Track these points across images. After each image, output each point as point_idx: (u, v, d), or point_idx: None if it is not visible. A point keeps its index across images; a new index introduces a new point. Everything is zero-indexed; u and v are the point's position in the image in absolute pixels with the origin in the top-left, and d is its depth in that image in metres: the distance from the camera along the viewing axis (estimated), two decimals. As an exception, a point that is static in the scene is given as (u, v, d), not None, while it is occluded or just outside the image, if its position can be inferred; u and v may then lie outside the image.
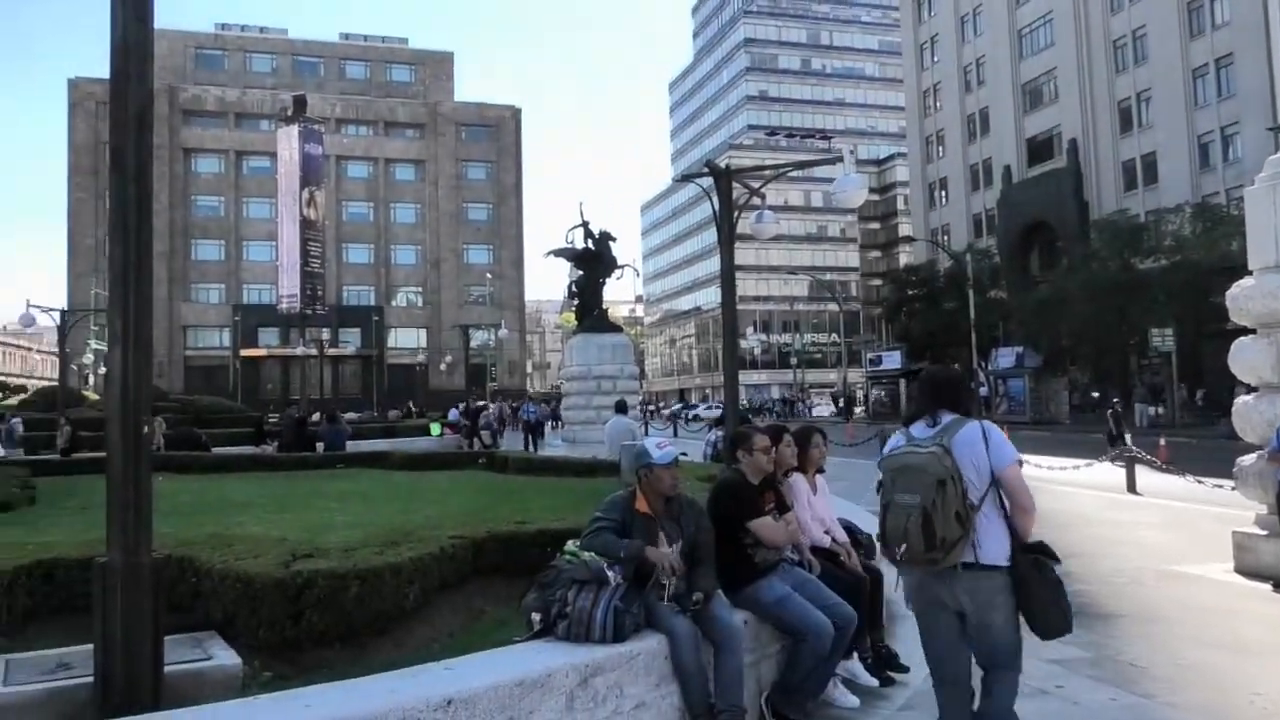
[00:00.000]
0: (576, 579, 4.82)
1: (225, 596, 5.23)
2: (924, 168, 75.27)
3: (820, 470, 6.60)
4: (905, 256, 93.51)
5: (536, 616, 4.92)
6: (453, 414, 37.45)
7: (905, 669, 5.99)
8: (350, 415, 36.18)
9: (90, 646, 4.26)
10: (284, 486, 13.23)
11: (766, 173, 12.41)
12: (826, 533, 6.27)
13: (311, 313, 75.72)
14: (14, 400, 50.39)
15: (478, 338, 75.19)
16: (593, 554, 4.90)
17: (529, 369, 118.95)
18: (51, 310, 33.60)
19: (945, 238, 69.57)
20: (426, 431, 35.36)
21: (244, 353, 79.68)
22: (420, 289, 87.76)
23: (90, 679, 4.16)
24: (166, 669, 4.22)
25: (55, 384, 42.29)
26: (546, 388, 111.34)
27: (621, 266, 33.55)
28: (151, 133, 4.12)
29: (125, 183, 4.01)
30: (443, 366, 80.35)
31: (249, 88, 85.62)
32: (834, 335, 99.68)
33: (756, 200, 12.28)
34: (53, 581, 5.51)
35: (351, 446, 22.22)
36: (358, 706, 3.99)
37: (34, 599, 5.42)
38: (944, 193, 72.93)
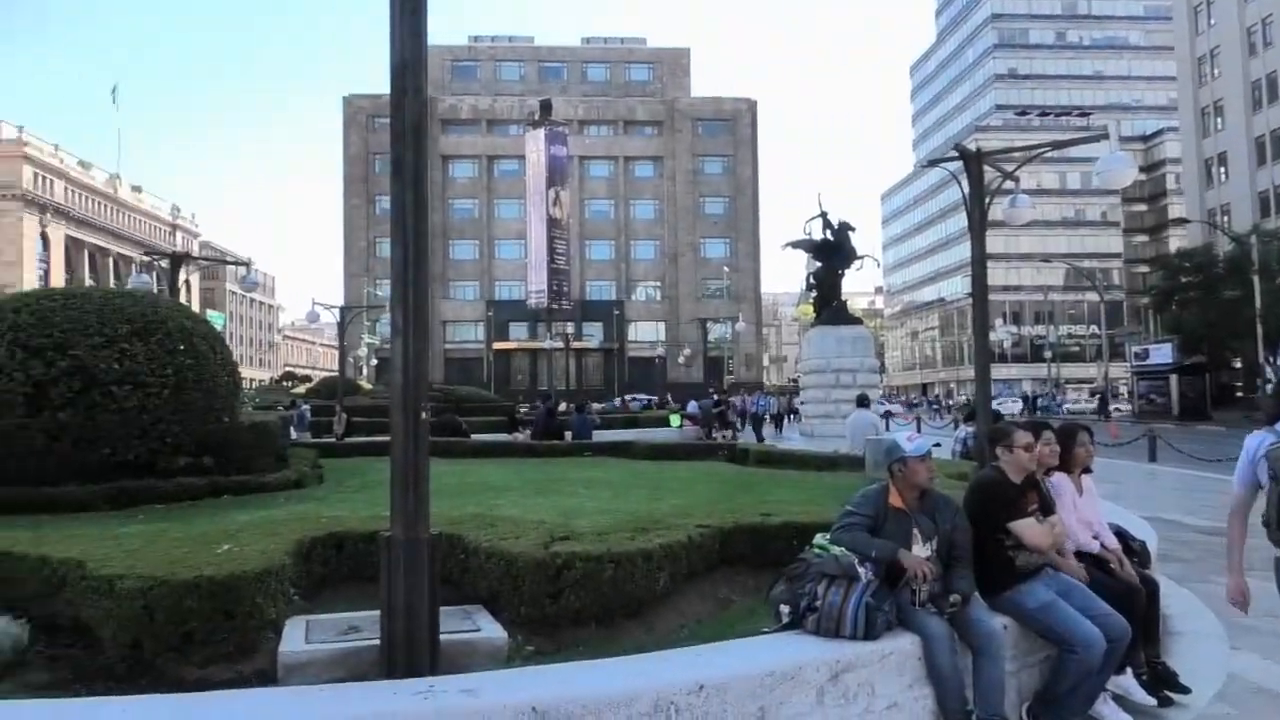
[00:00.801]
0: (826, 573, 4.77)
1: (490, 573, 5.56)
2: (1199, 142, 68.58)
3: (1086, 470, 6.16)
4: (1177, 240, 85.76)
5: (785, 609, 4.91)
6: (691, 406, 37.98)
7: (1186, 690, 5.48)
8: (597, 405, 37.51)
9: (376, 612, 4.65)
10: (537, 472, 13.87)
11: (1020, 154, 11.73)
12: (1095, 537, 5.85)
13: (557, 307, 79.31)
14: (302, 389, 55.95)
15: (715, 331, 75.85)
16: (843, 549, 4.82)
17: (765, 362, 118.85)
18: (332, 307, 36.97)
19: (1225, 218, 63.13)
20: (666, 423, 36.08)
21: (496, 346, 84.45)
22: (659, 283, 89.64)
23: (376, 642, 4.54)
24: (441, 637, 4.54)
25: (335, 374, 46.57)
26: (783, 381, 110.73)
27: (861, 257, 32.80)
28: (426, 142, 4.44)
29: (404, 188, 4.34)
30: (681, 359, 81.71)
31: (499, 95, 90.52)
32: (1093, 327, 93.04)
33: (1009, 184, 11.64)
34: (342, 551, 6.06)
35: (597, 436, 23.01)
36: (615, 685, 4.14)
37: (327, 567, 5.98)
38: (1223, 169, 66.17)
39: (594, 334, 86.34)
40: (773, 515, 7.00)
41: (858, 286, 64.42)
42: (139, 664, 4.72)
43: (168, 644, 4.65)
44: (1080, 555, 5.62)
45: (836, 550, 4.85)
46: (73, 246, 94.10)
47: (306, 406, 32.36)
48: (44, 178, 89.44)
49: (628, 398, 62.06)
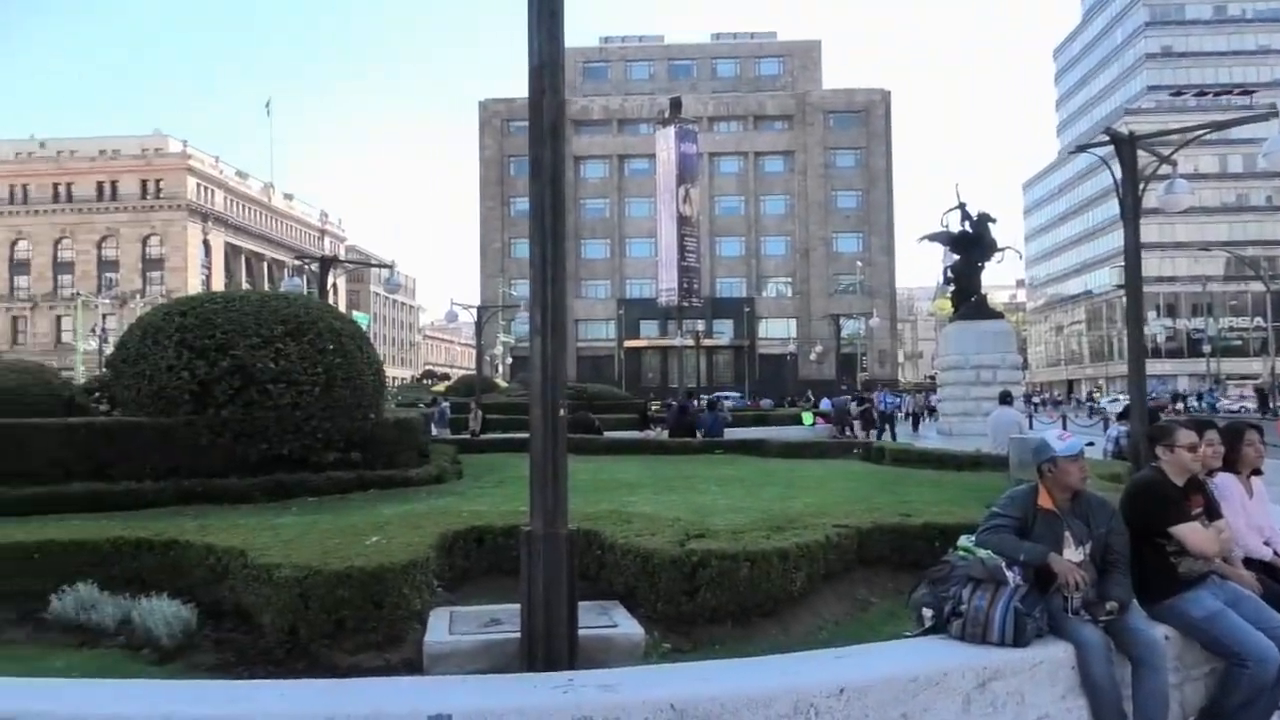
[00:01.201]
0: (972, 576, 4.59)
1: (627, 569, 5.60)
2: (1379, 118, 63.28)
3: (1257, 472, 5.75)
4: (1353, 225, 79.35)
5: (928, 612, 4.76)
6: (824, 403, 37.44)
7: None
8: (729, 403, 37.42)
9: (516, 606, 4.74)
10: (669, 469, 13.94)
11: (1177, 137, 11.09)
12: (1266, 543, 5.46)
13: (688, 305, 79.42)
14: (441, 387, 57.80)
15: (848, 327, 74.51)
16: (989, 552, 4.64)
17: (900, 358, 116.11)
18: (469, 307, 38.04)
19: None
20: (798, 421, 35.68)
21: (627, 344, 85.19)
22: (790, 279, 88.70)
23: (517, 635, 4.63)
24: (579, 632, 4.59)
25: (473, 372, 47.92)
26: (919, 378, 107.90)
27: (1002, 249, 31.66)
28: (564, 142, 4.49)
29: (542, 188, 4.40)
30: (812, 356, 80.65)
31: (630, 95, 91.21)
32: (1257, 319, 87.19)
33: (1165, 169, 11.02)
34: (482, 545, 6.21)
35: (728, 434, 22.96)
36: (753, 684, 4.09)
37: (468, 560, 6.15)
38: None
39: (724, 331, 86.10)
40: (913, 515, 6.82)
41: (998, 280, 62.25)
42: (296, 649, 4.96)
43: (321, 631, 4.87)
44: (1250, 563, 5.25)
45: (982, 553, 4.67)
46: (231, 252, 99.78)
47: (446, 404, 33.40)
48: (206, 188, 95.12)
49: (719, 396, 61.64)
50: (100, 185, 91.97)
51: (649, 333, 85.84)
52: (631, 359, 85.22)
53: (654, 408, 36.59)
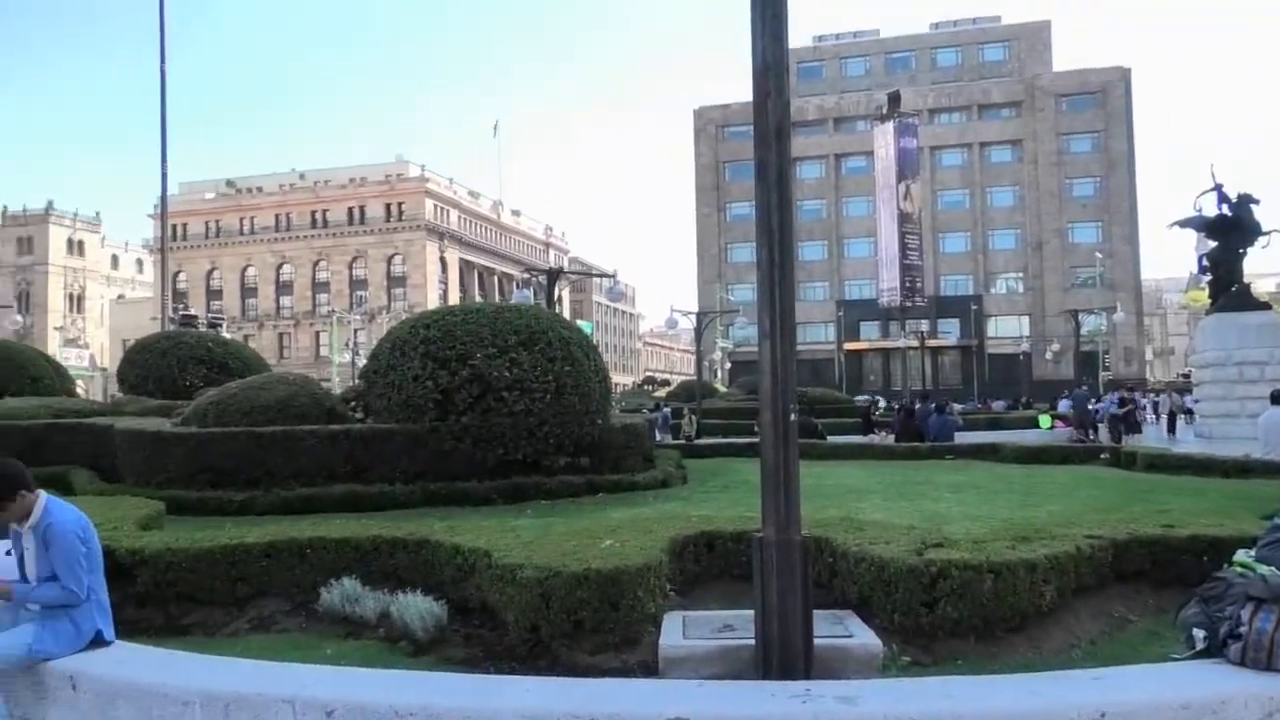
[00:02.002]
0: (1252, 595, 4.16)
1: (860, 578, 5.45)
2: None
3: None
4: None
5: (1200, 634, 4.36)
6: (1063, 405, 35.19)
7: None
8: (957, 406, 35.86)
9: (749, 612, 4.72)
10: (897, 475, 13.51)
11: None
12: None
13: (910, 304, 76.94)
14: (662, 392, 58.84)
15: (1088, 323, 69.69)
16: (1273, 569, 4.19)
17: (1148, 355, 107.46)
18: (689, 314, 38.48)
19: None
20: (1034, 424, 33.72)
21: (847, 346, 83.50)
22: (1021, 274, 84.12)
23: (750, 641, 4.60)
24: (814, 641, 4.51)
25: (692, 378, 48.42)
26: (1169, 376, 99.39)
27: (1266, 233, 28.70)
28: (789, 143, 4.43)
29: (768, 190, 4.37)
30: (1048, 355, 76.04)
31: (845, 92, 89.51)
32: None
33: None
34: (713, 550, 6.23)
35: (958, 438, 22.03)
36: (1002, 704, 3.89)
37: (699, 564, 6.18)
38: None
39: (950, 331, 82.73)
40: (1176, 526, 6.26)
41: (1264, 267, 56.00)
42: (538, 647, 5.15)
43: (561, 630, 5.03)
44: None
45: (1264, 570, 4.23)
46: (465, 267, 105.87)
47: (668, 409, 33.93)
48: (441, 209, 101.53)
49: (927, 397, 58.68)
50: (350, 211, 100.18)
51: (870, 334, 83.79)
52: (852, 362, 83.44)
53: (877, 411, 35.68)
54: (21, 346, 20.15)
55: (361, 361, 60.33)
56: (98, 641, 4.80)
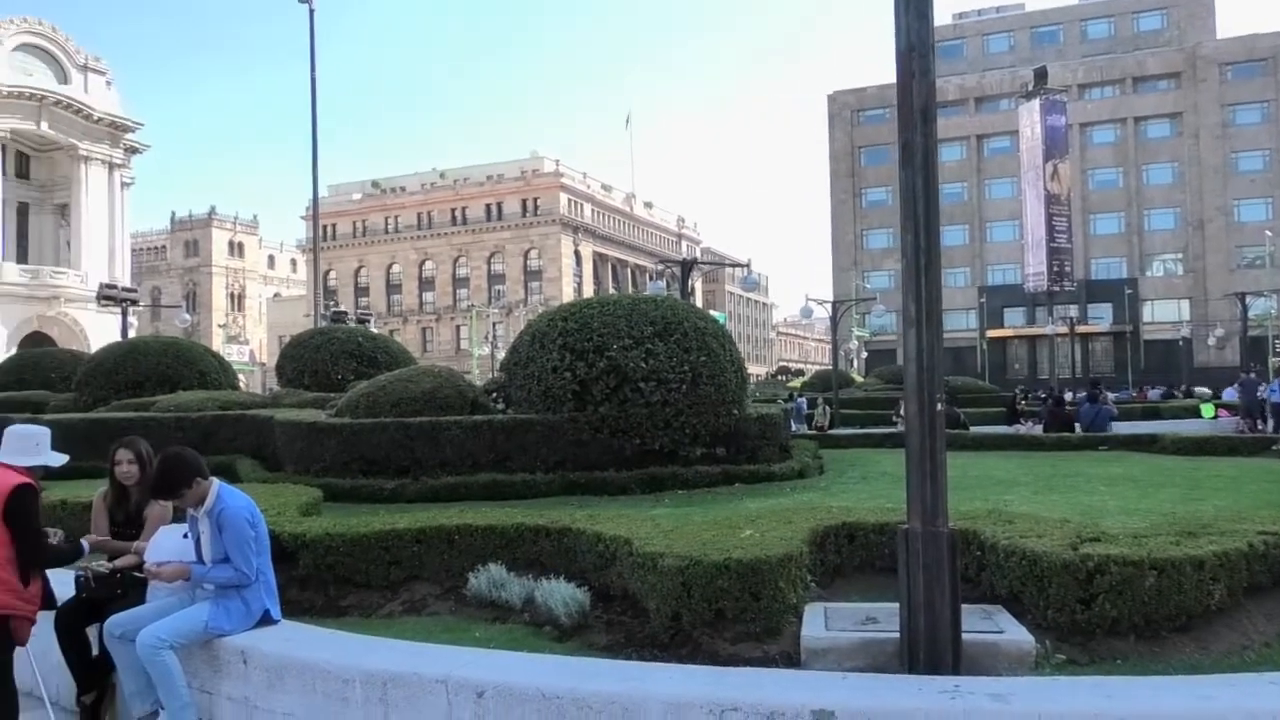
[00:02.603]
0: None
1: (1011, 573, 5.26)
2: None
3: None
4: None
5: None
6: (1228, 393, 33.08)
7: None
8: (1111, 395, 34.15)
9: (892, 605, 4.63)
10: (1046, 466, 12.98)
11: None
12: None
13: (1058, 289, 73.59)
14: (797, 382, 58.20)
15: (1256, 306, 65.21)
16: None
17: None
18: (824, 302, 37.91)
19: None
20: (1195, 413, 31.80)
21: (990, 333, 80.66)
22: (1180, 255, 79.44)
23: (894, 634, 4.51)
24: (962, 636, 4.38)
25: (827, 368, 47.70)
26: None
27: None
28: (935, 125, 4.31)
29: (914, 174, 4.26)
30: (1211, 340, 71.54)
31: (988, 70, 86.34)
32: None
33: None
34: (854, 542, 6.13)
35: (1113, 428, 21.01)
36: (1167, 706, 3.70)
37: (840, 556, 6.09)
38: None
39: (1102, 316, 78.83)
40: (1362, 524, 5.80)
41: None
42: (679, 634, 5.18)
43: (702, 619, 5.05)
44: None
45: None
46: (598, 260, 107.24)
47: (803, 399, 33.54)
48: (575, 203, 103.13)
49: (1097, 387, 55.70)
50: (488, 207, 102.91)
51: (1014, 321, 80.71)
52: (995, 349, 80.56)
53: (1023, 401, 34.37)
54: (190, 343, 21.45)
55: (500, 354, 61.92)
56: (265, 620, 5.10)
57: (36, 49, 62.87)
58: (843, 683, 4.11)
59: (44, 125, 61.45)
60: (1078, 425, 21.16)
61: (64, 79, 63.67)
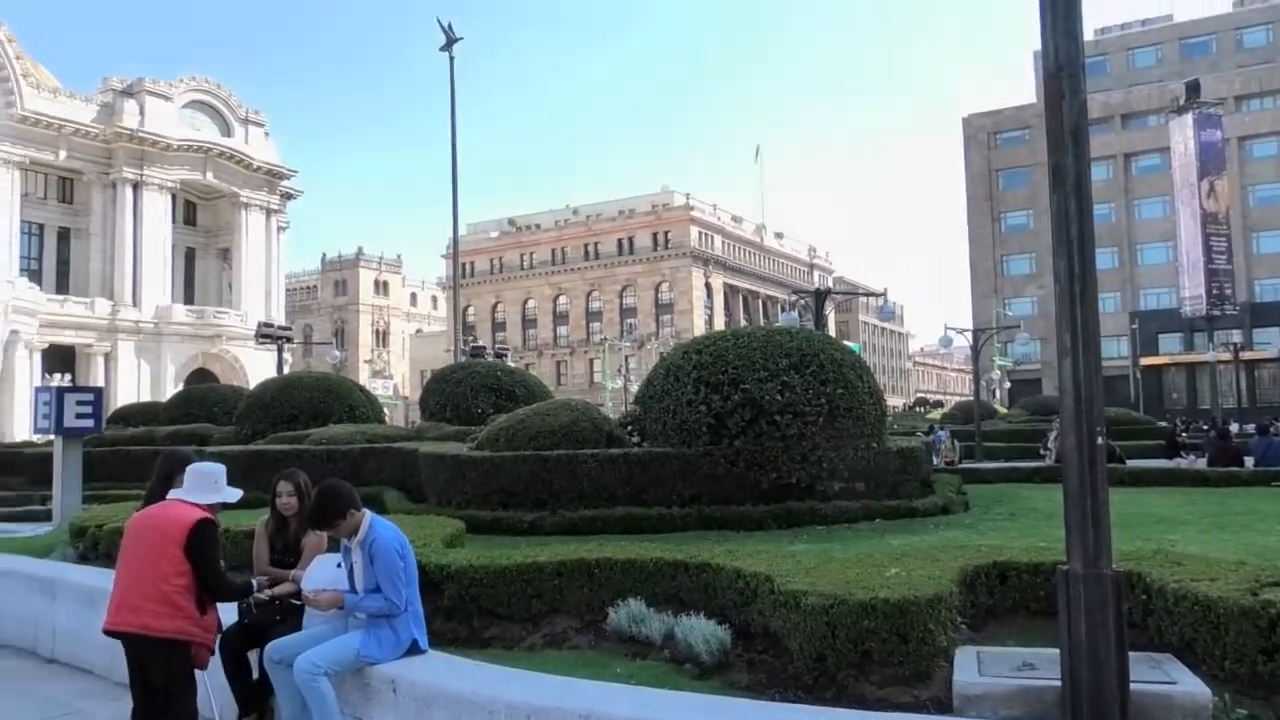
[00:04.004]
0: None
1: (1181, 619, 4.93)
2: None
3: None
4: None
5: None
6: None
7: None
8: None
9: (1050, 650, 4.39)
10: (1214, 504, 12.16)
11: None
12: None
13: (1219, 313, 69.37)
14: (937, 413, 56.51)
15: None
16: None
17: None
18: (964, 331, 36.75)
19: None
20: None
21: (1144, 361, 76.45)
22: (1360, 274, 73.81)
23: (1054, 682, 4.27)
24: (1130, 686, 4.12)
25: (968, 398, 46.17)
26: None
27: None
28: (1087, 145, 4.13)
29: (1065, 197, 4.09)
30: (1397, 366, 66.04)
31: (1134, 86, 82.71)
32: None
33: None
34: (1006, 583, 5.85)
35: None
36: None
37: (992, 597, 5.82)
38: None
39: (1269, 341, 73.72)
40: None
41: None
42: (823, 675, 5.04)
43: (848, 660, 4.90)
44: None
45: None
46: (729, 292, 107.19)
47: (944, 432, 32.50)
48: (706, 235, 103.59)
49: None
50: (620, 242, 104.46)
51: (1170, 348, 76.32)
52: (1150, 378, 76.29)
53: (1183, 433, 32.44)
54: (340, 378, 22.45)
55: (632, 387, 62.41)
56: (414, 650, 5.22)
57: (203, 105, 67.67)
58: (1002, 732, 3.91)
59: (209, 175, 65.93)
60: (1248, 459, 19.78)
61: (227, 132, 68.21)
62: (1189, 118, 70.00)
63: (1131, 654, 4.39)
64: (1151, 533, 9.23)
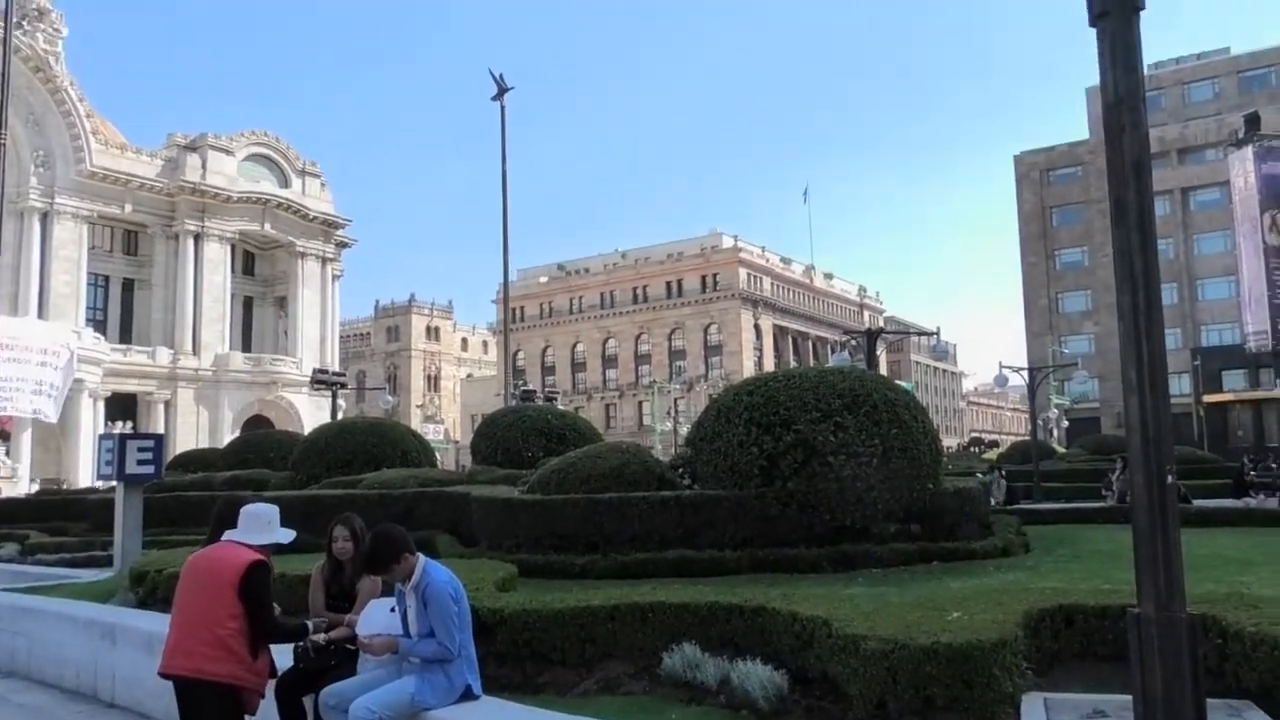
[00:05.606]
0: None
1: (1260, 664, 4.74)
2: None
3: None
4: None
5: None
6: None
7: None
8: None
9: (1121, 697, 4.23)
10: (1285, 545, 11.78)
11: None
12: None
13: (1284, 349, 67.51)
14: (993, 454, 55.46)
15: None
16: None
17: None
18: (1019, 369, 36.15)
19: None
20: None
21: (1207, 399, 74.47)
22: None
23: (1129, 732, 4.10)
24: (1211, 736, 3.94)
25: (1024, 438, 45.26)
26: None
27: None
28: (1149, 179, 4.05)
29: (1128, 232, 3.99)
30: None
31: (1190, 120, 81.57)
32: None
33: None
34: (1072, 626, 5.68)
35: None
36: None
37: (1057, 641, 5.65)
38: None
39: (1342, 377, 71.53)
40: None
41: None
42: (885, 723, 4.91)
43: (910, 707, 4.77)
44: None
45: None
46: (778, 333, 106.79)
47: (1000, 472, 31.86)
48: (755, 277, 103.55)
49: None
50: (668, 284, 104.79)
51: (1234, 385, 74.32)
52: (1214, 416, 74.22)
53: (1252, 472, 31.41)
54: (393, 423, 22.69)
55: (682, 429, 62.18)
56: (467, 695, 5.18)
57: (262, 158, 69.53)
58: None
59: (268, 226, 67.55)
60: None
61: (285, 183, 69.97)
62: (1249, 151, 68.53)
63: (1211, 700, 4.22)
64: (1223, 574, 8.95)
